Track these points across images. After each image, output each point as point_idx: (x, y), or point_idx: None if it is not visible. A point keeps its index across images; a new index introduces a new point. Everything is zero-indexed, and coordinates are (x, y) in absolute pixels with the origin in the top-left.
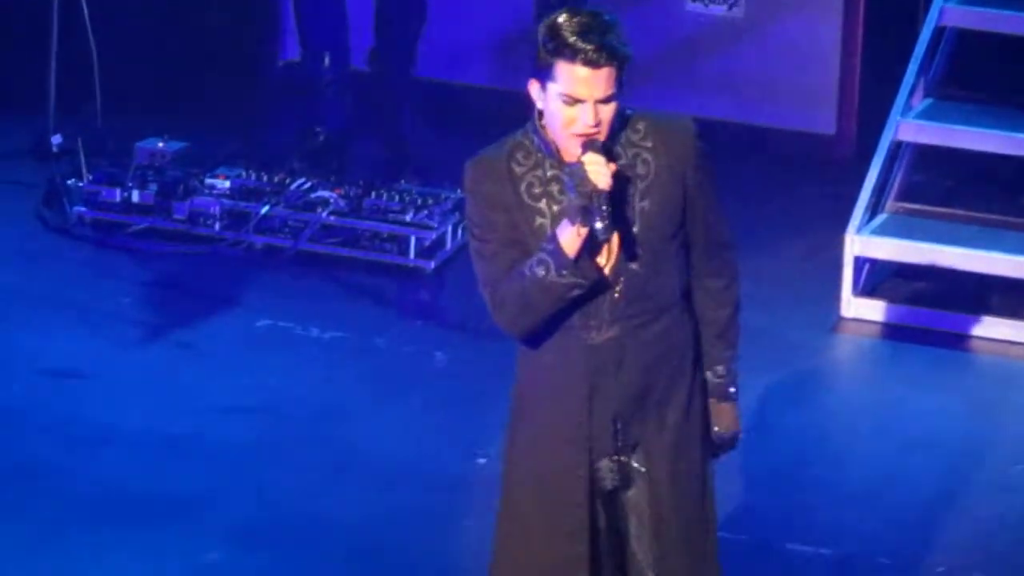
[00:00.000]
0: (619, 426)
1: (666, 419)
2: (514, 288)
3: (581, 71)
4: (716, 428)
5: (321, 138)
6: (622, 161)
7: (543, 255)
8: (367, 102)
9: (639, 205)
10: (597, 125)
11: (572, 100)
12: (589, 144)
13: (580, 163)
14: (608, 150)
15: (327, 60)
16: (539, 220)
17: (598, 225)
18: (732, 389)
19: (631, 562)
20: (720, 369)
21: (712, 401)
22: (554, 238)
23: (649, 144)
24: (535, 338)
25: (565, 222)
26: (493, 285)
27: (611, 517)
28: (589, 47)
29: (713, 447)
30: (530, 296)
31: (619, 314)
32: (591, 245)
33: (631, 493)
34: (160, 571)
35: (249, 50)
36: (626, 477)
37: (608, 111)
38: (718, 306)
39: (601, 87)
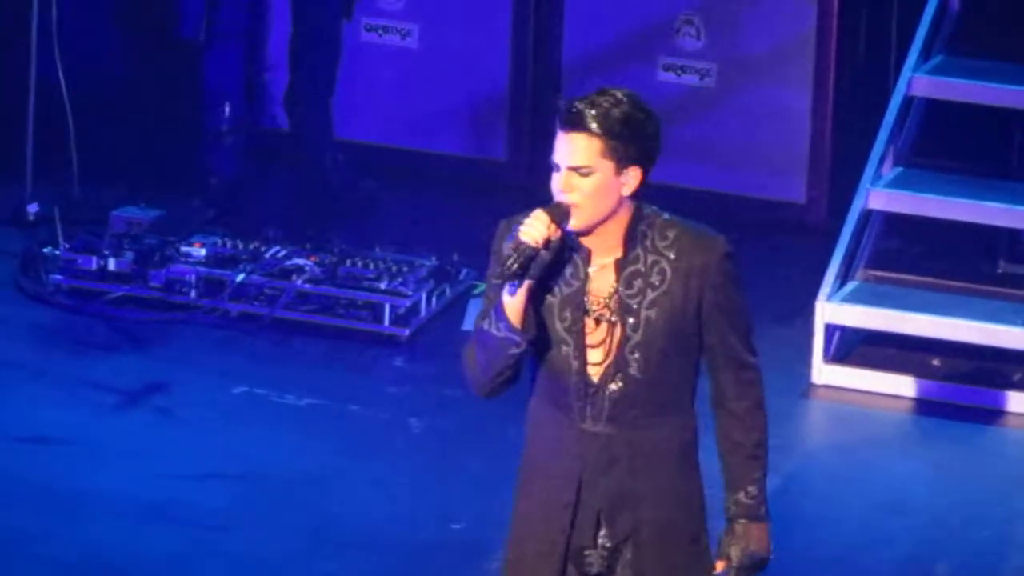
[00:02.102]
0: (602, 523)
1: (654, 524)
2: (474, 339)
3: (559, 132)
4: (747, 548)
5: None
6: (638, 266)
7: (491, 308)
8: (288, 155)
9: (645, 313)
10: (568, 193)
11: (554, 165)
12: (554, 204)
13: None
14: (563, 221)
15: (227, 110)
16: (549, 299)
17: (503, 275)
18: (763, 510)
19: None
20: (752, 490)
21: (743, 522)
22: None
23: (672, 255)
24: (492, 395)
25: None
26: (473, 335)
27: None
28: (566, 110)
29: (744, 570)
30: (478, 348)
31: (615, 413)
32: (576, 325)
33: None
34: None
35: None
36: (612, 565)
37: (586, 187)
38: (745, 429)
39: (573, 154)
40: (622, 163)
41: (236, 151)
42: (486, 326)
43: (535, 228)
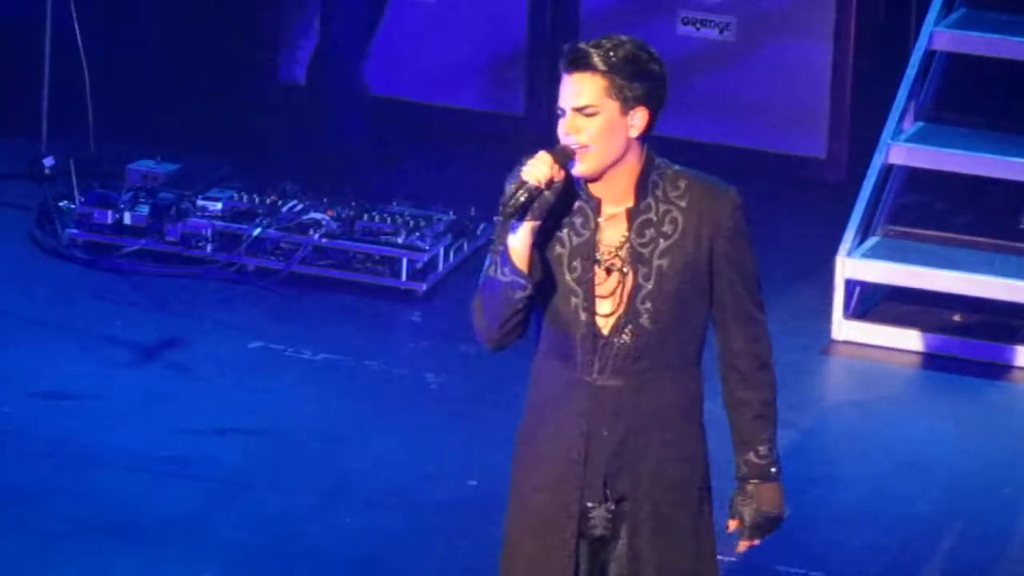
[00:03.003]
0: (609, 478)
1: (654, 480)
2: (480, 287)
3: (564, 75)
4: (760, 508)
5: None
6: (650, 215)
7: (496, 253)
8: (305, 114)
9: (657, 263)
10: (573, 135)
11: (560, 110)
12: (559, 146)
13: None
14: (567, 163)
15: (352, 72)
16: (558, 249)
17: (504, 213)
18: (774, 469)
19: None
20: (762, 449)
21: (755, 483)
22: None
23: (683, 204)
24: (501, 347)
25: None
26: (479, 285)
27: (593, 561)
28: (569, 52)
29: (757, 530)
30: (485, 297)
31: (624, 364)
32: (585, 275)
33: (618, 543)
34: None
35: (244, 71)
36: (616, 527)
37: (591, 126)
38: (752, 387)
39: (577, 94)
40: (628, 103)
41: (362, 116)
42: (492, 272)
43: (537, 168)
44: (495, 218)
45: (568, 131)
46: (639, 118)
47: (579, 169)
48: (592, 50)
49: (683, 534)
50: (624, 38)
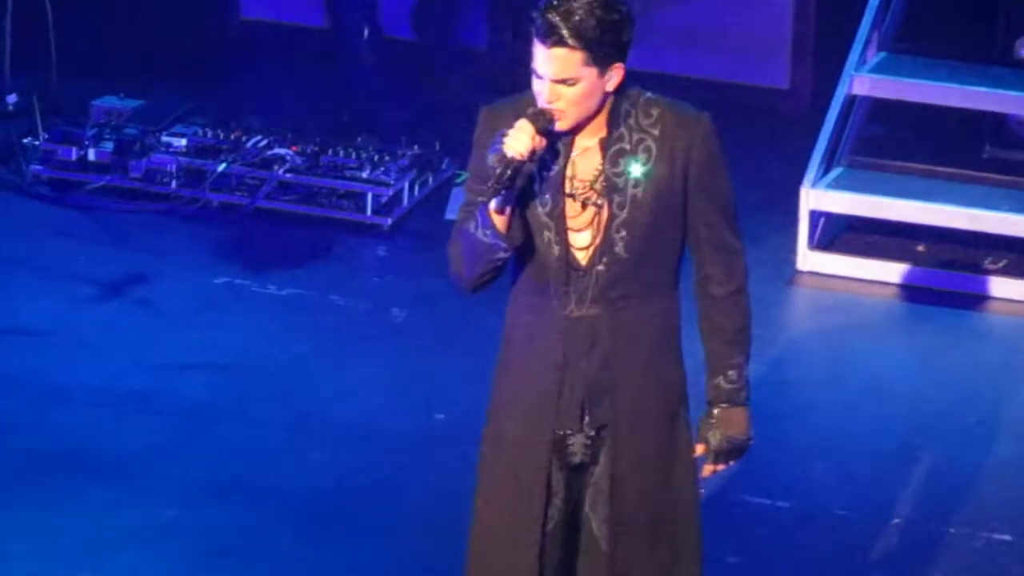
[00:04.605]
0: (586, 407)
1: (632, 408)
2: (458, 237)
3: (538, 46)
4: (726, 433)
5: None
6: (623, 144)
7: (477, 211)
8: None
9: (631, 191)
10: (554, 102)
11: (536, 72)
12: (537, 112)
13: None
14: (548, 128)
15: (366, 32)
16: (531, 185)
17: (489, 191)
18: (744, 394)
19: (584, 529)
20: (732, 374)
21: (723, 407)
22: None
23: (656, 132)
24: (477, 292)
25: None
26: (456, 231)
27: (569, 490)
28: (543, 24)
29: (722, 455)
30: (464, 248)
31: (599, 294)
32: (556, 209)
33: (596, 469)
34: (117, 527)
35: (206, 7)
36: (595, 453)
37: (571, 94)
38: (727, 313)
39: (555, 67)
40: (604, 65)
41: (374, 70)
42: (471, 228)
43: (520, 140)
44: (479, 198)
45: (549, 99)
46: (615, 72)
47: (558, 127)
48: (564, 24)
49: (659, 459)
50: (597, 4)
